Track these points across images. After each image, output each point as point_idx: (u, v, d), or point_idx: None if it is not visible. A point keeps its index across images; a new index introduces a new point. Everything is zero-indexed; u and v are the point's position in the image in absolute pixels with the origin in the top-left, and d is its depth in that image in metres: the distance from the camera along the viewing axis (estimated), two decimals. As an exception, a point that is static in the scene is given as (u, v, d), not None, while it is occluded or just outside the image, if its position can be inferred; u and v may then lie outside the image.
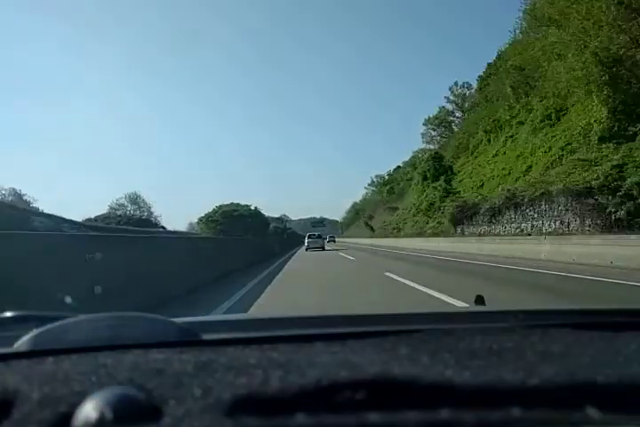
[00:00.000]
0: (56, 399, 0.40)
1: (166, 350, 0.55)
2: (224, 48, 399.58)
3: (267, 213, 73.46)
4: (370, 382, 0.42)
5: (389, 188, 68.84)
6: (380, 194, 74.88)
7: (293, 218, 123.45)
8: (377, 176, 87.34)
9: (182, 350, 0.56)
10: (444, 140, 54.58)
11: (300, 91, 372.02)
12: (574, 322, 0.71)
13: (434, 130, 57.72)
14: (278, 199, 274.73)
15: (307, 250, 27.30)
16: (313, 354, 0.53)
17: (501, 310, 0.82)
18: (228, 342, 0.61)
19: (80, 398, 0.39)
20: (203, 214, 63.46)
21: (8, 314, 0.67)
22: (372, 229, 57.69)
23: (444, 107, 55.59)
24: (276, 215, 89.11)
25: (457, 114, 55.19)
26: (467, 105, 51.71)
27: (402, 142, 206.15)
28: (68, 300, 2.75)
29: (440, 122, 56.18)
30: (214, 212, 63.21)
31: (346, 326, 0.72)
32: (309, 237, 29.58)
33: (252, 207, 69.33)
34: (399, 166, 72.37)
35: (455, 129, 53.42)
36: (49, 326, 0.58)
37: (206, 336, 0.63)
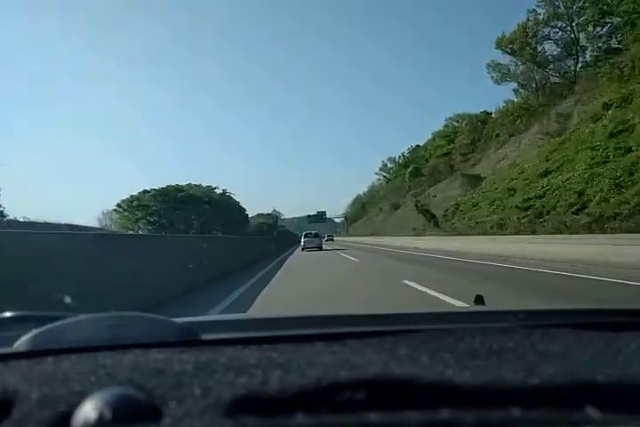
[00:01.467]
0: (55, 399, 0.40)
1: (166, 350, 0.55)
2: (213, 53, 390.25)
3: (257, 210, 54.76)
4: (370, 382, 0.42)
5: (413, 168, 54.29)
6: (399, 178, 60.90)
7: (287, 216, 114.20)
8: (389, 159, 73.72)
9: (182, 350, 0.56)
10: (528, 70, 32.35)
11: (288, 92, 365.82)
12: (574, 322, 0.71)
13: (516, 55, 32.32)
14: (271, 198, 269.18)
15: (303, 250, 26.08)
16: (313, 354, 0.53)
17: (501, 310, 0.82)
18: (228, 342, 0.61)
19: (79, 398, 0.39)
20: (127, 197, 36.97)
21: (8, 314, 0.67)
22: (430, 217, 32.99)
23: (534, 10, 31.18)
24: (267, 212, 77.32)
25: (559, 23, 30.74)
26: (576, 6, 29.12)
27: (399, 140, 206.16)
28: (68, 300, 2.74)
29: (527, 40, 31.58)
30: (143, 193, 37.85)
31: (346, 326, 0.71)
32: (306, 236, 27.92)
33: (219, 190, 42.63)
34: (418, 145, 61.61)
35: (550, 52, 30.40)
36: (49, 326, 0.58)
37: (206, 336, 0.63)
